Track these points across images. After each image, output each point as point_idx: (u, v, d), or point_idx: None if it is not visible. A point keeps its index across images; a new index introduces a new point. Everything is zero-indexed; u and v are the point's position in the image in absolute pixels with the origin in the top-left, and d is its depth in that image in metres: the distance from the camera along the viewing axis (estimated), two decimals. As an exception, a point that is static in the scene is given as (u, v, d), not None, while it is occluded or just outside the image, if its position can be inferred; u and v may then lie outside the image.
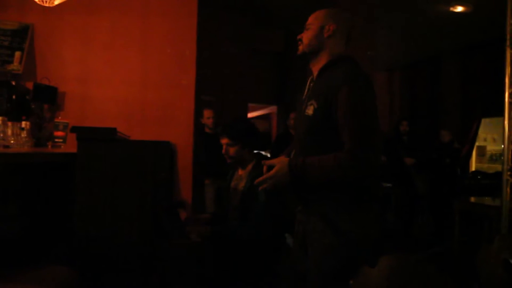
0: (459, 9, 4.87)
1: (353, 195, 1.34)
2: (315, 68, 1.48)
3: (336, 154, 1.27)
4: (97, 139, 1.63)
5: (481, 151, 6.81)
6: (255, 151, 2.19)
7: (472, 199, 4.16)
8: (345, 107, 1.28)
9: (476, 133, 6.27)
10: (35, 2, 2.31)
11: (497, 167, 6.19)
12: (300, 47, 1.49)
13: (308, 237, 1.41)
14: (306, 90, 1.51)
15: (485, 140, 6.80)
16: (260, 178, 1.37)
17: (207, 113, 4.07)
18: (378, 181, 1.49)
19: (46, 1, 2.28)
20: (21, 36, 2.56)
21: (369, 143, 1.26)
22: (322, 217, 1.35)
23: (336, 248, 1.32)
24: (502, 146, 2.95)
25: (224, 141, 2.10)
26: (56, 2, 2.30)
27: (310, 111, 1.37)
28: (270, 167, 1.36)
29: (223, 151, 2.12)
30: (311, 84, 1.49)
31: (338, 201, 1.34)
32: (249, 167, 2.10)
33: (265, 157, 1.89)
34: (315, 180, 1.31)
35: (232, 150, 2.08)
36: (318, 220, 1.36)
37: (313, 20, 1.47)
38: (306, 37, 1.47)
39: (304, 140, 1.44)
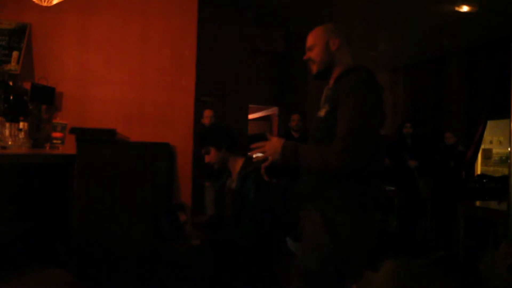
0: (465, 8, 4.82)
1: (358, 200, 1.39)
2: (331, 78, 1.55)
3: (325, 149, 1.36)
4: (96, 141, 1.61)
5: (487, 154, 6.75)
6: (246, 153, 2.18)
7: (477, 203, 4.12)
8: (344, 107, 1.36)
9: (481, 136, 6.21)
10: (33, 1, 2.28)
11: (503, 170, 6.14)
12: (314, 67, 1.56)
13: (303, 232, 1.47)
14: (323, 98, 1.58)
15: (491, 142, 6.74)
16: (257, 144, 1.48)
17: (207, 113, 4.13)
18: (380, 188, 1.54)
19: (44, 0, 2.26)
20: (18, 35, 2.54)
21: (356, 146, 1.32)
22: (321, 215, 1.39)
23: (326, 246, 1.37)
24: (509, 149, 2.90)
25: (202, 150, 2.15)
26: (54, 2, 2.28)
27: (322, 113, 1.48)
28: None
29: (206, 160, 2.15)
30: (328, 92, 1.56)
31: (342, 203, 1.38)
32: (238, 168, 2.10)
33: (251, 157, 1.92)
34: (302, 165, 1.43)
35: (210, 157, 2.12)
36: (316, 217, 1.40)
37: (316, 39, 1.55)
38: (315, 55, 1.54)
39: (315, 141, 1.51)
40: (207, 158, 2.14)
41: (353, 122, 1.32)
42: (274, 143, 1.45)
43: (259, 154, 1.53)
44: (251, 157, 1.77)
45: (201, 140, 2.17)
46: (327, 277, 1.38)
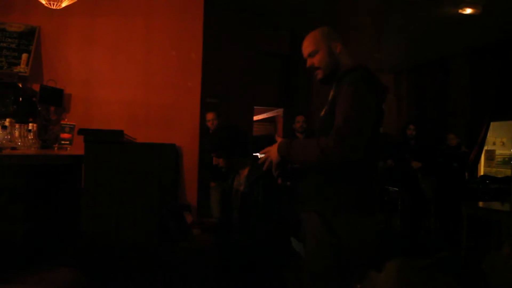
0: (468, 11, 4.82)
1: (356, 200, 1.39)
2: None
3: (318, 140, 1.32)
4: (104, 142, 1.63)
5: (490, 155, 6.75)
6: (254, 154, 2.17)
7: (481, 203, 4.11)
8: (339, 101, 1.36)
9: (484, 137, 6.21)
10: (41, 4, 2.32)
11: (506, 171, 6.14)
12: (320, 73, 1.52)
13: (305, 234, 1.47)
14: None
15: (494, 144, 6.74)
16: (263, 151, 1.49)
17: (209, 116, 4.10)
18: (380, 188, 1.53)
19: (53, 4, 2.29)
20: (27, 38, 2.57)
21: (351, 138, 1.28)
22: (319, 216, 1.39)
23: (327, 247, 1.37)
24: (512, 150, 2.92)
25: (212, 154, 2.11)
26: (63, 4, 2.31)
27: (322, 112, 1.48)
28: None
29: (214, 162, 2.12)
30: (331, 93, 1.55)
31: (339, 204, 1.38)
32: (246, 171, 2.09)
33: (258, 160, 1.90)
34: (298, 160, 1.40)
35: (220, 161, 2.09)
36: (315, 218, 1.41)
37: (316, 45, 1.51)
38: (319, 61, 1.50)
39: None
40: (216, 161, 2.11)
41: (346, 113, 1.30)
42: (273, 146, 1.43)
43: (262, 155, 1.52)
44: (258, 160, 1.76)
45: (212, 146, 2.10)
46: (331, 278, 1.39)
